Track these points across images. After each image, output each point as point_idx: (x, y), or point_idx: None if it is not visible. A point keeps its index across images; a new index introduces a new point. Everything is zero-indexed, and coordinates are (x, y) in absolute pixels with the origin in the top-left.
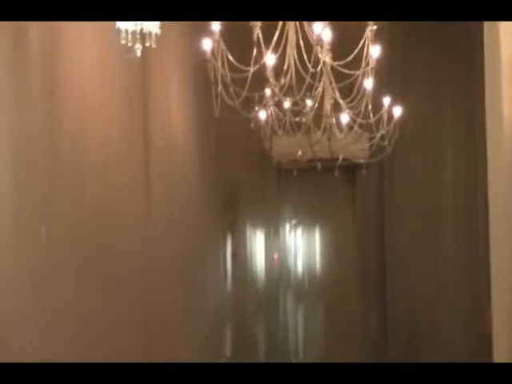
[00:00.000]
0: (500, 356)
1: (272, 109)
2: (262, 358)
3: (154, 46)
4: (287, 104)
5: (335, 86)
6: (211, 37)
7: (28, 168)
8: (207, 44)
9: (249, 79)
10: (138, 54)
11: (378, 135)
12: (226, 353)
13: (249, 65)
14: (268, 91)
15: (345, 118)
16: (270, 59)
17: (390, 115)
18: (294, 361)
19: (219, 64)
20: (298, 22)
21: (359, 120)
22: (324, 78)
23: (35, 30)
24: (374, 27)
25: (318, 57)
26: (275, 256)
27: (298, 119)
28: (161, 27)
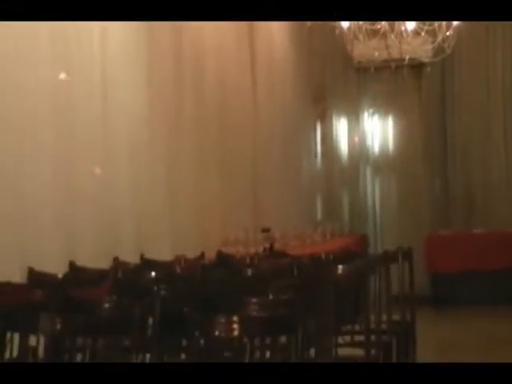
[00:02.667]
0: None
1: None
2: (346, 220)
3: None
4: None
5: None
6: None
7: (159, 73)
8: None
9: None
10: None
11: (439, 39)
12: (317, 217)
13: None
14: None
15: (412, 25)
16: None
17: (449, 22)
18: (371, 218)
19: None
20: None
21: (424, 27)
22: None
23: None
24: None
25: None
26: (356, 139)
27: (374, 26)
28: None
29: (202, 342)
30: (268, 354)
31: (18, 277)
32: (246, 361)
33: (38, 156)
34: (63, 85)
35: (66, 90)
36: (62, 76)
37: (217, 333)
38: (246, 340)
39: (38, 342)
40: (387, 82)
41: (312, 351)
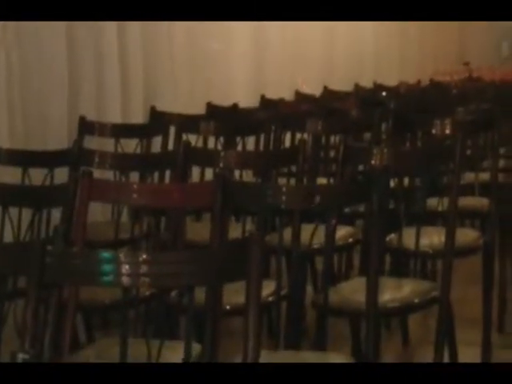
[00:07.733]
0: None
1: None
2: None
3: None
4: None
5: None
6: None
7: None
8: None
9: None
10: None
11: None
12: (504, 54)
13: None
14: None
15: None
16: None
17: None
18: None
19: None
20: None
21: None
22: None
23: None
24: None
25: None
26: None
27: None
28: None
29: (421, 141)
30: (469, 152)
31: (288, 95)
32: (458, 154)
33: None
34: None
35: None
36: None
37: (434, 131)
38: (457, 136)
39: (305, 137)
40: None
41: (503, 149)
